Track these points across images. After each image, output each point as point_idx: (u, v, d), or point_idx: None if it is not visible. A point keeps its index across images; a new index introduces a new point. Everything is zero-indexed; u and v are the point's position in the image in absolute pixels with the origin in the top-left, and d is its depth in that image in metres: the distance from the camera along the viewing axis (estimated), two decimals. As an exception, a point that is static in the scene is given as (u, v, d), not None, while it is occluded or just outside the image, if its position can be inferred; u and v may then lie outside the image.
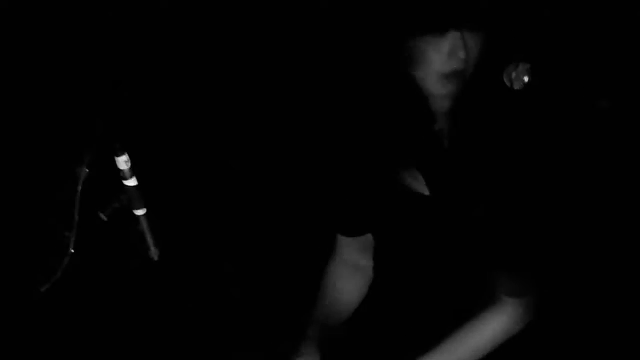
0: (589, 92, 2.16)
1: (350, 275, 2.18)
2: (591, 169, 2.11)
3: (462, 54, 1.70)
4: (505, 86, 1.85)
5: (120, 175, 1.83)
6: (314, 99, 2.44)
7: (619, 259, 2.25)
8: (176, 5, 2.67)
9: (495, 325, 1.99)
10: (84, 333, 2.27)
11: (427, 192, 1.92)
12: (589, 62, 2.22)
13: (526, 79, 1.87)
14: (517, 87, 1.86)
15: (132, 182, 1.85)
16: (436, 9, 1.68)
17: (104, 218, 1.81)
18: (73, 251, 1.81)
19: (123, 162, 1.83)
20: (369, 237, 2.14)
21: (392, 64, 1.74)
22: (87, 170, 1.82)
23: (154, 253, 1.90)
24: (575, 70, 2.17)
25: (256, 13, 2.70)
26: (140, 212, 1.87)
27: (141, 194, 1.85)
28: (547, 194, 1.88)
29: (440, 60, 1.71)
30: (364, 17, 1.80)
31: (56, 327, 2.19)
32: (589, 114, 2.11)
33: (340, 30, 2.10)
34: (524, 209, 1.87)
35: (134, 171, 1.84)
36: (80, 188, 1.80)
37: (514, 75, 1.86)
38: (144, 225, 1.88)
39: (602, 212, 2.19)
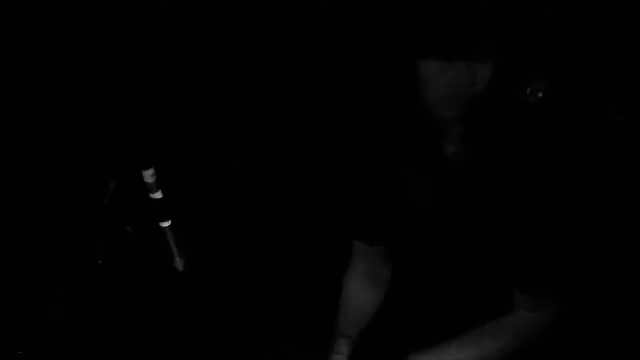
0: (603, 106, 2.22)
1: (368, 285, 2.23)
2: (607, 181, 2.15)
3: (467, 81, 1.75)
4: (520, 103, 1.91)
5: (146, 188, 1.91)
6: (334, 116, 2.51)
7: (627, 268, 2.29)
8: (192, 18, 2.75)
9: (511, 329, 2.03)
10: (109, 337, 2.34)
11: (438, 209, 1.97)
12: (602, 77, 2.27)
13: (540, 94, 1.93)
14: (532, 102, 1.92)
15: (157, 195, 1.93)
16: (444, 36, 1.74)
17: (131, 230, 1.90)
18: (101, 262, 1.88)
19: (149, 175, 1.91)
20: (382, 248, 2.19)
21: (400, 84, 1.81)
22: (115, 184, 1.91)
23: (179, 263, 1.98)
24: (589, 85, 2.22)
25: (268, 22, 2.78)
26: (165, 224, 1.95)
27: (166, 207, 1.92)
28: (565, 208, 1.92)
29: (444, 85, 1.76)
30: (376, 38, 1.86)
31: (84, 333, 2.27)
32: (604, 128, 2.16)
33: (352, 48, 2.18)
34: (544, 224, 1.91)
35: (159, 185, 1.92)
36: (107, 201, 1.88)
37: (528, 91, 1.92)
38: (169, 236, 1.96)
39: (618, 223, 2.22)
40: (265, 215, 2.77)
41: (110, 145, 2.01)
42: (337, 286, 2.20)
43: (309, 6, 2.64)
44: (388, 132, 1.98)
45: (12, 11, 2.69)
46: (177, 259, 2.01)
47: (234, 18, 2.78)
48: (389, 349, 2.10)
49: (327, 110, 2.60)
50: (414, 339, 2.07)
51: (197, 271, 2.13)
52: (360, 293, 2.23)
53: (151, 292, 2.25)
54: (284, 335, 2.18)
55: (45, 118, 2.37)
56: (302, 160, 2.72)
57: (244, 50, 2.83)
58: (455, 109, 1.78)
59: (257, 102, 2.79)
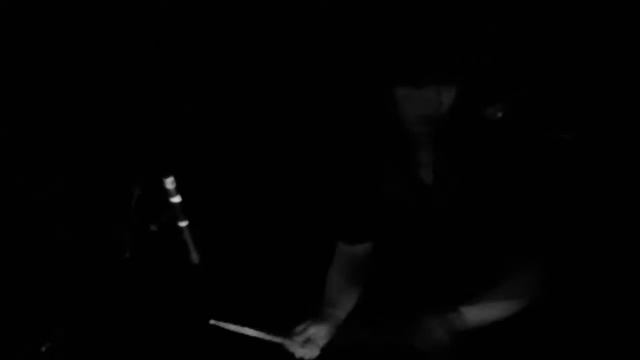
0: (553, 126, 2.52)
1: (349, 275, 2.54)
2: (556, 181, 2.45)
3: (435, 103, 2.08)
4: (482, 121, 2.23)
5: (166, 193, 2.22)
6: (325, 132, 2.83)
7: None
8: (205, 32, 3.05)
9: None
10: (135, 318, 2.66)
11: (416, 209, 2.29)
12: (554, 101, 2.58)
13: (499, 114, 2.26)
14: (492, 120, 2.25)
15: (176, 199, 2.23)
16: (414, 68, 2.06)
17: (154, 229, 2.20)
18: (128, 255, 2.19)
19: (169, 182, 2.22)
20: (366, 245, 2.50)
21: (381, 105, 2.13)
22: (139, 190, 2.22)
23: (195, 257, 2.28)
24: (542, 107, 2.53)
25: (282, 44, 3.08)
26: (183, 224, 2.25)
27: (184, 209, 2.23)
28: (519, 201, 2.21)
29: (416, 107, 2.09)
30: (361, 69, 2.19)
31: (115, 316, 2.59)
32: (554, 145, 2.47)
33: (343, 77, 2.50)
34: (503, 213, 2.21)
35: (178, 190, 2.22)
36: (134, 204, 2.20)
37: (489, 111, 2.25)
38: (186, 234, 2.27)
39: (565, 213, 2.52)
40: (266, 219, 3.10)
41: (136, 158, 2.32)
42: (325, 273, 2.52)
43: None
44: (372, 143, 2.31)
45: (58, 23, 3.00)
46: (193, 253, 2.28)
47: (249, 36, 3.08)
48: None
49: (320, 123, 2.93)
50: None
51: (209, 264, 2.42)
52: (342, 283, 2.54)
53: (170, 281, 2.58)
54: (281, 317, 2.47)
55: (86, 139, 2.70)
56: (298, 174, 3.06)
57: (254, 64, 3.14)
58: (426, 125, 2.12)
59: (254, 115, 3.12)
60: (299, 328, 2.36)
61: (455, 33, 2.21)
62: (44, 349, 2.16)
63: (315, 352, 2.37)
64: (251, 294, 2.87)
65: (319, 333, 2.38)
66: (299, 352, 2.35)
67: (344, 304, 2.51)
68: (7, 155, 2.91)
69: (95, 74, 2.97)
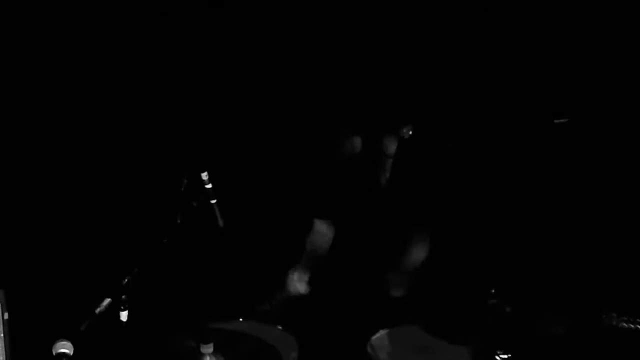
0: (440, 137, 3.63)
1: (321, 236, 3.80)
2: (449, 182, 3.60)
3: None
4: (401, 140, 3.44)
5: (203, 182, 3.34)
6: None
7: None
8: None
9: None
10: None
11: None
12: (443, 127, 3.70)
13: (410, 133, 3.48)
14: (405, 137, 3.47)
15: (209, 186, 3.32)
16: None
17: (195, 205, 3.36)
18: (179, 221, 3.32)
19: (204, 175, 3.33)
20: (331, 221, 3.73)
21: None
22: (187, 180, 3.39)
23: (220, 222, 3.40)
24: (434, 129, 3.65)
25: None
26: (213, 201, 3.35)
27: (214, 192, 3.36)
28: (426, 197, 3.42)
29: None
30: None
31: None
32: (441, 153, 3.63)
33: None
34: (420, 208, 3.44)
35: (210, 180, 3.37)
36: (183, 189, 3.38)
37: (404, 132, 3.47)
38: (215, 208, 3.37)
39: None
40: (270, 201, 4.21)
41: (184, 160, 3.50)
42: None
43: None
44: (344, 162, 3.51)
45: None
46: (219, 220, 3.35)
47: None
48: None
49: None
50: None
51: (230, 228, 3.48)
52: (317, 240, 3.79)
53: (204, 237, 3.68)
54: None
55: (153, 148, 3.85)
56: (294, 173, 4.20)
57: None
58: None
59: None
60: (287, 278, 3.56)
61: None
62: (125, 280, 3.15)
63: (304, 288, 3.60)
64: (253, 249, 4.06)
65: (300, 275, 3.65)
66: (292, 292, 3.59)
67: (316, 254, 3.74)
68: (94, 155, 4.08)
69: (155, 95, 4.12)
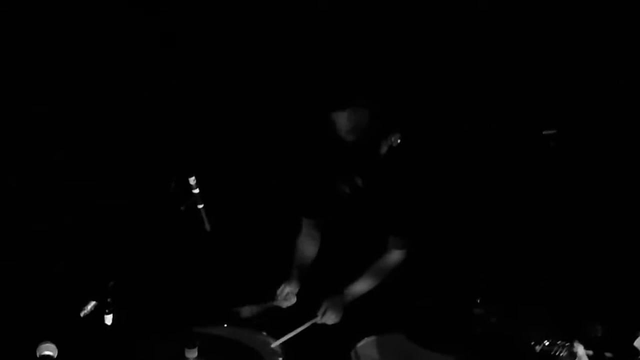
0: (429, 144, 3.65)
1: (310, 241, 3.81)
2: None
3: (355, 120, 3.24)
4: (389, 145, 3.45)
5: (190, 186, 3.34)
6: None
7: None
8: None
9: (388, 262, 3.55)
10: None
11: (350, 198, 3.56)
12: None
13: (398, 140, 3.49)
14: (394, 144, 3.48)
15: (196, 190, 3.32)
16: (339, 96, 3.21)
17: (183, 208, 3.35)
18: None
19: (192, 180, 3.33)
20: (320, 221, 3.74)
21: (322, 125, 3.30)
22: (174, 184, 3.39)
23: (207, 227, 3.38)
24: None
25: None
26: (200, 206, 3.34)
27: (201, 196, 3.34)
28: (406, 198, 3.43)
29: (343, 123, 3.26)
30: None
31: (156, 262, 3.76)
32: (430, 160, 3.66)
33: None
34: (398, 207, 3.46)
35: (198, 184, 3.35)
36: (171, 193, 3.38)
37: (391, 138, 3.48)
38: (202, 212, 3.36)
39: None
40: (258, 204, 4.25)
41: (172, 164, 3.51)
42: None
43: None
44: (319, 149, 3.52)
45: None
46: (206, 224, 3.32)
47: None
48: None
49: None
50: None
51: (217, 233, 3.46)
52: (305, 247, 3.80)
53: (191, 242, 3.68)
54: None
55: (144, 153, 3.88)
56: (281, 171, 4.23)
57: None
58: (353, 135, 3.33)
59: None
60: (279, 290, 3.58)
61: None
62: (111, 283, 3.07)
63: (294, 300, 3.58)
64: (246, 252, 4.08)
65: (292, 289, 3.60)
66: (284, 304, 3.55)
67: (306, 264, 3.75)
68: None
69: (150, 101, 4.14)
